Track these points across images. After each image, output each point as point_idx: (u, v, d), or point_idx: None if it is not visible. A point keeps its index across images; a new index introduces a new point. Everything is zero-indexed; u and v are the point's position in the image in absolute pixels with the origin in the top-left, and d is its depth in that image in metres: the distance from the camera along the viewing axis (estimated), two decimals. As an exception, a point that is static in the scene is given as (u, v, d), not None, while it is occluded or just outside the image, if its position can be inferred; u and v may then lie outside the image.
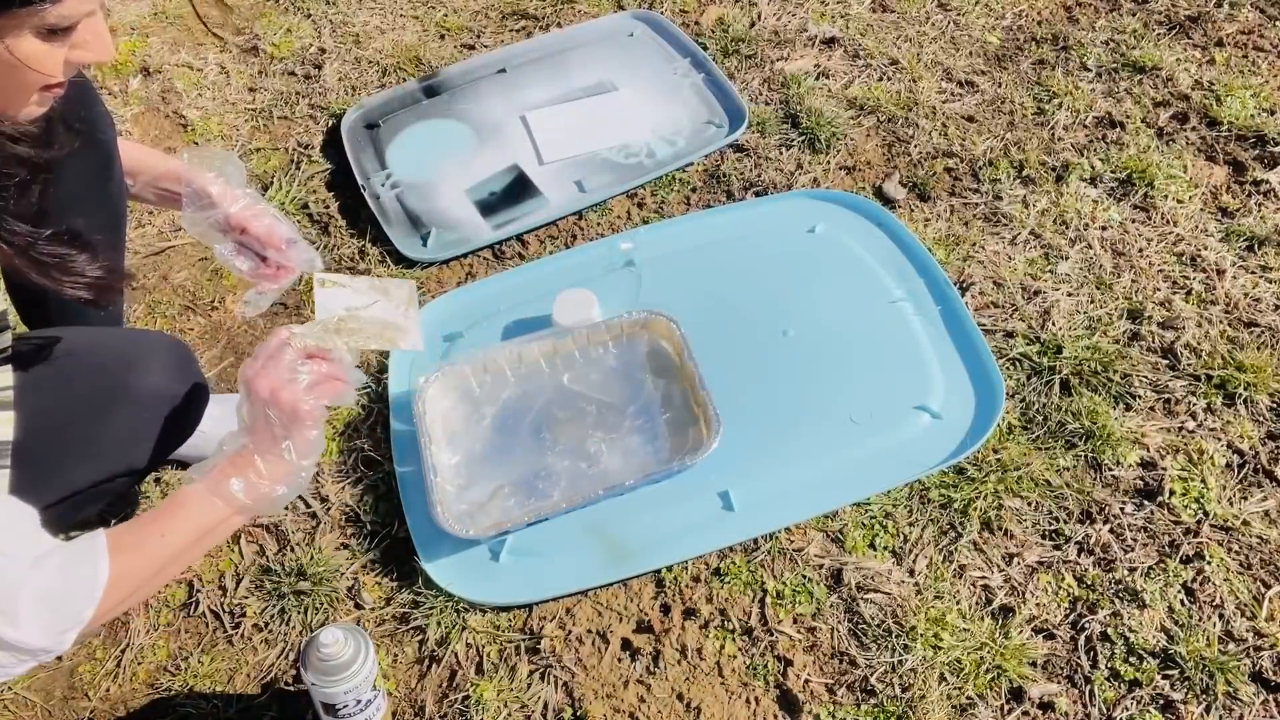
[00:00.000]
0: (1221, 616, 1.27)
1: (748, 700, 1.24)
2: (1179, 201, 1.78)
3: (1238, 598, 1.29)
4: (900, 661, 1.25)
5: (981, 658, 1.25)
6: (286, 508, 1.44)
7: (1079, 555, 1.34)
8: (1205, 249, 1.70)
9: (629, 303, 1.64)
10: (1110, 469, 1.42)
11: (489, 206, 1.86)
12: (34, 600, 0.86)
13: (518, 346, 1.55)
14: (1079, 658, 1.25)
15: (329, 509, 1.45)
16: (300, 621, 1.33)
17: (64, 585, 0.89)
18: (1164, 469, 1.41)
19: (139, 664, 1.31)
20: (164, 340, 1.22)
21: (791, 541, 1.37)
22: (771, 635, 1.29)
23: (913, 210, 1.80)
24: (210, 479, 0.99)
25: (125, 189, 1.28)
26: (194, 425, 1.25)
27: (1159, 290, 1.64)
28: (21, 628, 0.85)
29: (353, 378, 1.05)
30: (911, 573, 1.33)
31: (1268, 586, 1.30)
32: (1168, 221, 1.75)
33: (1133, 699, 1.21)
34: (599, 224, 1.82)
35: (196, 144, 2.01)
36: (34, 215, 1.14)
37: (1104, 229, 1.74)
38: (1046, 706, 1.21)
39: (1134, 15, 2.16)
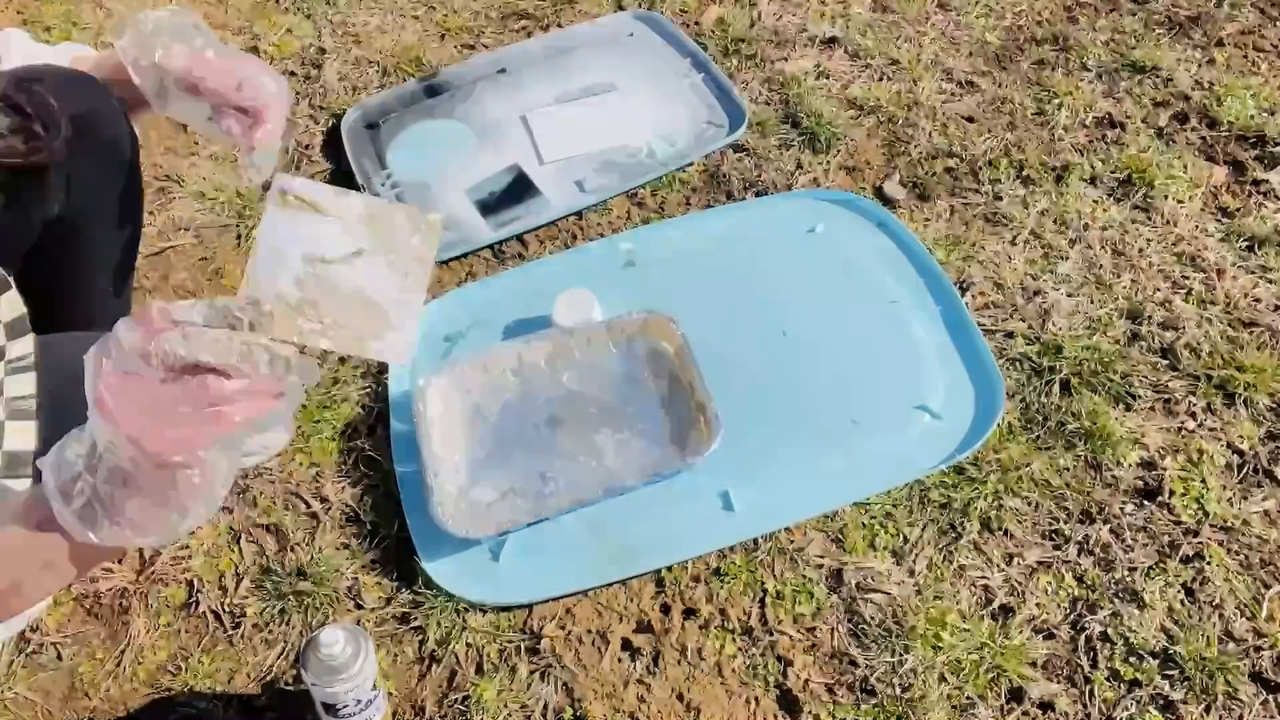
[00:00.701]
0: (1221, 616, 1.27)
1: (748, 700, 1.24)
2: (1179, 201, 1.78)
3: (1238, 598, 1.29)
4: (900, 661, 1.25)
5: (981, 658, 1.25)
6: (286, 508, 1.45)
7: (1079, 555, 1.34)
8: (1205, 249, 1.70)
9: (629, 303, 1.63)
10: (1110, 469, 1.42)
11: (489, 206, 1.86)
12: None
13: (518, 346, 1.55)
14: (1079, 658, 1.25)
15: (329, 509, 1.45)
16: (300, 621, 1.33)
17: None
18: (1164, 469, 1.41)
19: (139, 664, 1.31)
20: None
21: (791, 541, 1.37)
22: (771, 635, 1.29)
23: (913, 210, 1.80)
24: (34, 510, 0.70)
25: (143, 213, 1.25)
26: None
27: (1159, 290, 1.64)
28: None
29: (297, 377, 0.65)
30: (911, 573, 1.33)
31: (1268, 586, 1.30)
32: (1168, 221, 1.75)
33: (1133, 699, 1.21)
34: (599, 224, 1.82)
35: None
36: (52, 221, 1.13)
37: (1104, 229, 1.74)
38: (1046, 706, 1.21)
39: (1134, 15, 2.16)
